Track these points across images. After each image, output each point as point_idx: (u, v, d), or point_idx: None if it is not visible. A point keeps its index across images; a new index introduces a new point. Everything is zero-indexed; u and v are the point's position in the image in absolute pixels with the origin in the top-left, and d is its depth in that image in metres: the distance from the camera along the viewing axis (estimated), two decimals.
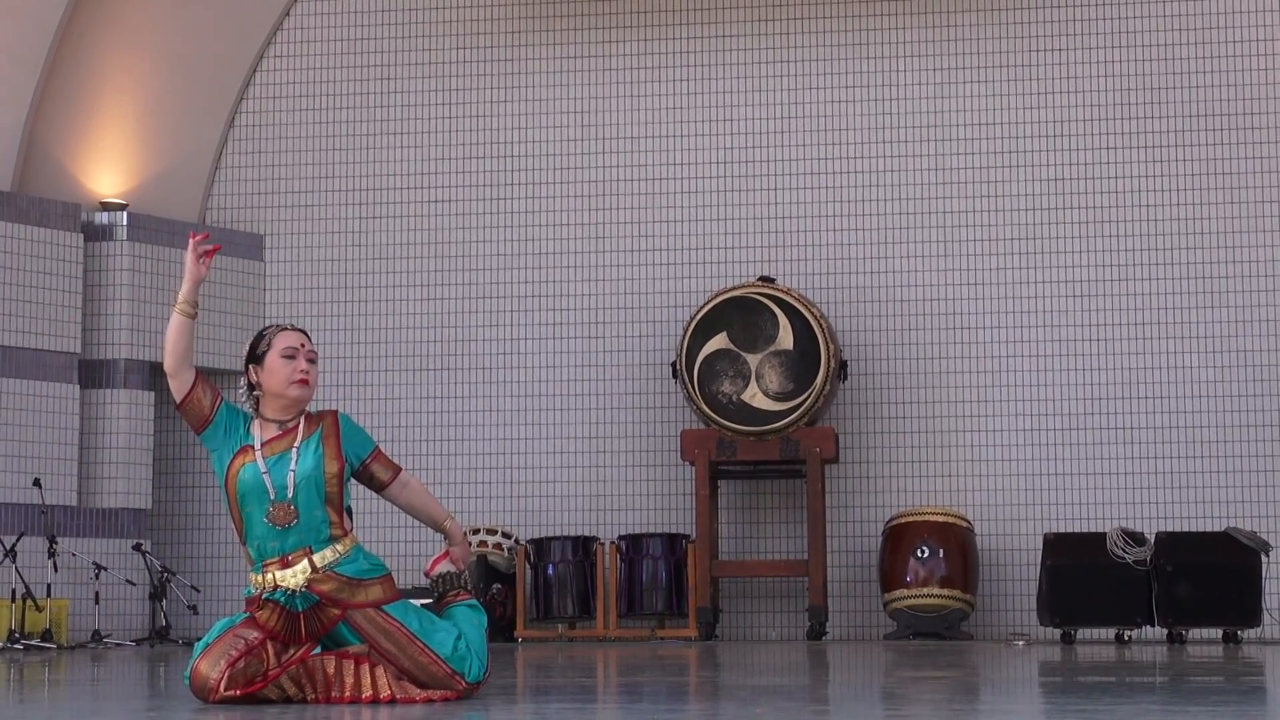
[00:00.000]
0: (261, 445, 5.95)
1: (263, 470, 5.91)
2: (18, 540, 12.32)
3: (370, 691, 5.83)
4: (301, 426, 6.01)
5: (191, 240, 5.99)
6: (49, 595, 12.37)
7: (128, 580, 13.07)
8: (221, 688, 5.74)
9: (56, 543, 12.52)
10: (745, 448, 12.96)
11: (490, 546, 13.11)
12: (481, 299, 14.16)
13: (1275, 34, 13.59)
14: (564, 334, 14.04)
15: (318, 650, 5.93)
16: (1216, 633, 12.16)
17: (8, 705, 6.41)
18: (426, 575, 6.30)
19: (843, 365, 13.11)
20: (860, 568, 13.43)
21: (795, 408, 12.89)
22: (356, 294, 14.28)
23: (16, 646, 11.85)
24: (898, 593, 12.73)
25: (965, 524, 12.95)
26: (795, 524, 13.49)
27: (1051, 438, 13.44)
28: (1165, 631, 11.93)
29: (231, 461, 5.95)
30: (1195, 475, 13.23)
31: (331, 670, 5.86)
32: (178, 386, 5.97)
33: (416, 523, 6.36)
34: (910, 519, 12.89)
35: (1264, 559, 11.91)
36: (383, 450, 6.18)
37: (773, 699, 6.22)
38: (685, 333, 13.07)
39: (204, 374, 6.06)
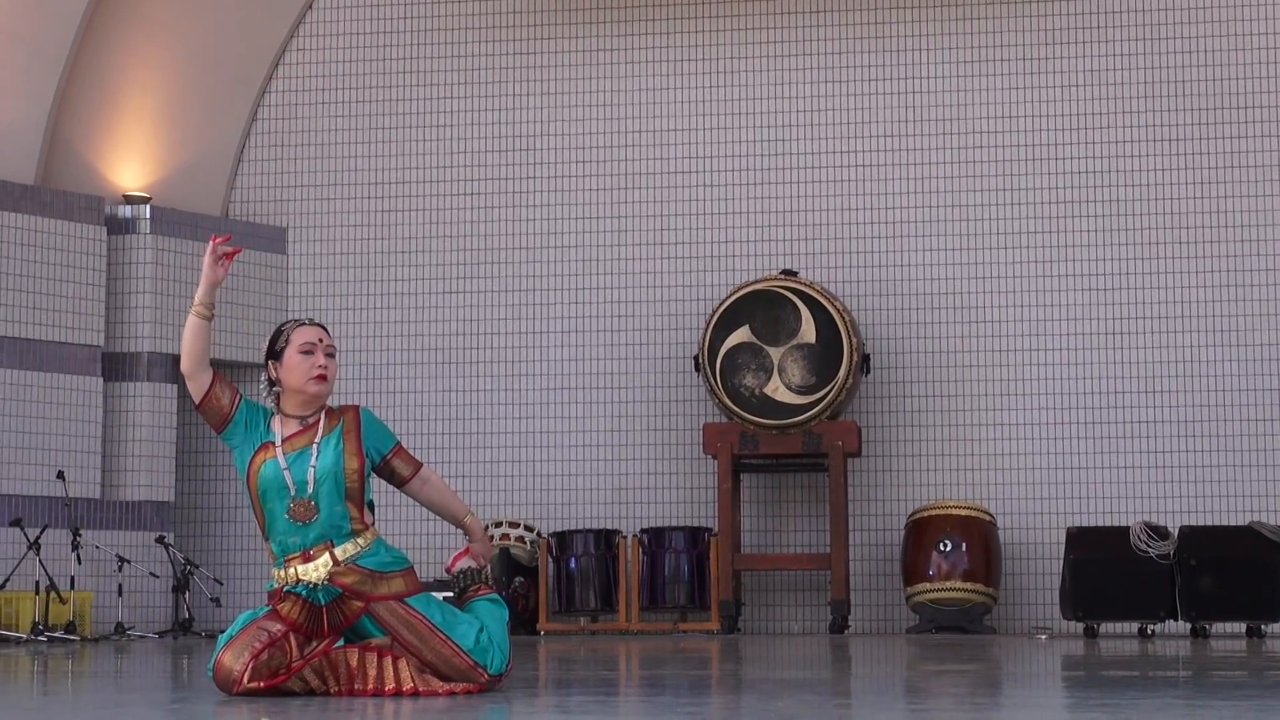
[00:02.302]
0: (282, 441, 5.96)
1: (283, 466, 5.92)
2: (41, 533, 12.35)
3: (393, 684, 5.84)
4: (322, 422, 6.01)
5: (212, 243, 5.98)
6: (72, 588, 12.40)
7: (151, 573, 13.10)
8: (245, 680, 5.76)
9: (80, 535, 12.55)
10: (767, 441, 12.95)
11: (512, 540, 13.12)
12: (503, 292, 14.17)
13: None
14: (586, 327, 14.04)
15: (340, 643, 5.94)
16: (1240, 627, 12.12)
17: (32, 697, 6.43)
18: (448, 572, 6.30)
19: (865, 359, 13.09)
20: (882, 561, 13.42)
21: (818, 401, 12.87)
22: (378, 287, 14.30)
23: (40, 639, 11.88)
24: (920, 586, 12.72)
25: (988, 517, 12.94)
26: (817, 517, 13.48)
27: (1074, 431, 13.41)
28: (1188, 626, 11.89)
29: (253, 458, 5.96)
30: (1219, 469, 13.20)
31: (354, 663, 5.87)
32: (195, 387, 5.98)
33: (437, 516, 6.35)
34: (933, 512, 12.88)
35: None
36: (404, 446, 6.17)
37: (795, 693, 6.21)
38: (707, 326, 13.06)
39: (222, 372, 6.07)
